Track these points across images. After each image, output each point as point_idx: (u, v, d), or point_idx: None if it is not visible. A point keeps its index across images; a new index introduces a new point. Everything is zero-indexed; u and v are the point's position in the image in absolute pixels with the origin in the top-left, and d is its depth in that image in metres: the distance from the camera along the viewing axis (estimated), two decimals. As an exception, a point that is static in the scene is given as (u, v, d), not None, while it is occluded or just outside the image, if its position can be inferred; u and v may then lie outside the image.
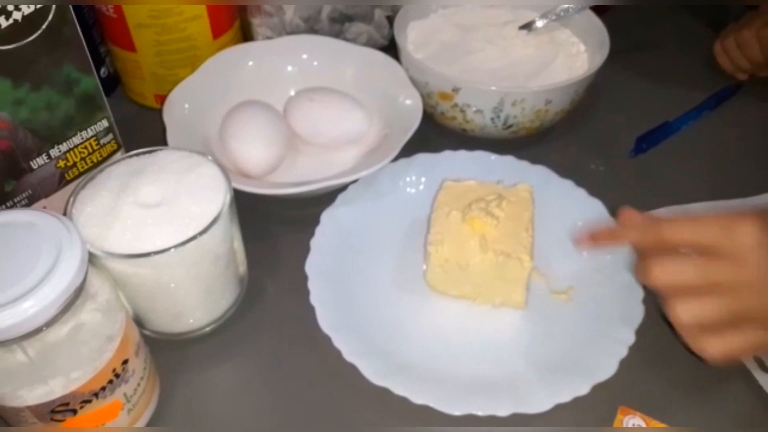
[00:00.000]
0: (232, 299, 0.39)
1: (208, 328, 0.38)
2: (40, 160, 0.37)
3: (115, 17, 0.46)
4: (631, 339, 0.36)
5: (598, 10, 0.51)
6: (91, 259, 0.32)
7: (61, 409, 0.29)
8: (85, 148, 0.39)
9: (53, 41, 0.34)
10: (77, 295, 0.28)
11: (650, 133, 0.49)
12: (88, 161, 0.39)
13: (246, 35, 0.53)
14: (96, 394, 0.30)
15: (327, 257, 0.40)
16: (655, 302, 0.37)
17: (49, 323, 0.27)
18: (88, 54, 0.36)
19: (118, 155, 0.41)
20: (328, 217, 0.42)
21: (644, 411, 0.34)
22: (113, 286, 0.32)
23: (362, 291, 0.39)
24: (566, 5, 0.51)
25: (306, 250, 0.40)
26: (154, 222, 0.33)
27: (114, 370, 0.30)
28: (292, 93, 0.48)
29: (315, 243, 0.40)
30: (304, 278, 0.38)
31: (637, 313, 0.37)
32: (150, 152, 0.36)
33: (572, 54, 0.50)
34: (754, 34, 0.51)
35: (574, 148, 0.49)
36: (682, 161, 0.48)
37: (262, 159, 0.43)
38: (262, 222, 0.43)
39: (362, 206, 0.43)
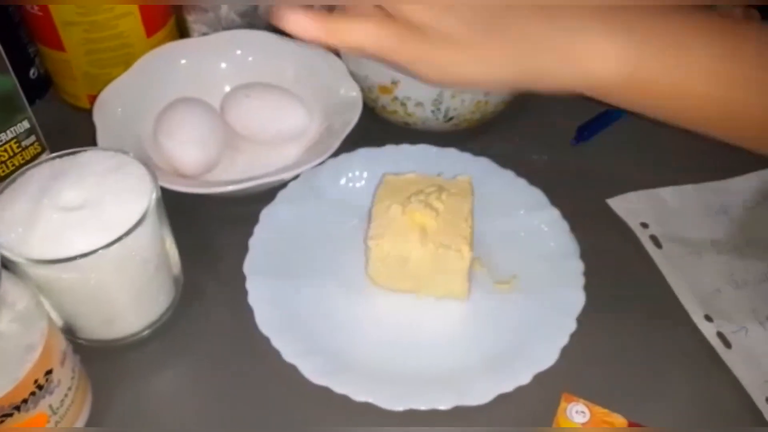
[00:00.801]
0: (167, 302, 0.37)
1: (143, 333, 0.37)
2: (-43, 165, 0.35)
3: (41, 15, 0.44)
4: (572, 326, 0.36)
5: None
6: (10, 265, 0.30)
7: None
8: (5, 151, 0.37)
9: (-36, 41, 0.32)
10: (-11, 304, 0.27)
11: (591, 121, 0.49)
12: (10, 165, 0.38)
13: (182, 32, 0.52)
14: (17, 407, 0.28)
15: (266, 256, 0.39)
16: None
17: (-40, 335, 0.26)
18: (3, 54, 0.35)
19: (43, 157, 0.39)
20: (267, 215, 0.41)
21: (587, 397, 0.34)
22: (34, 294, 0.30)
23: (303, 289, 0.38)
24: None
25: (245, 250, 0.39)
26: (77, 225, 0.31)
27: (36, 381, 0.29)
28: (228, 89, 0.47)
29: (254, 242, 0.39)
30: (243, 278, 0.37)
31: (578, 300, 0.37)
32: (74, 153, 0.35)
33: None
34: None
35: (516, 139, 0.49)
36: (624, 149, 0.48)
37: (198, 158, 0.42)
38: (200, 222, 0.42)
39: (303, 203, 0.42)
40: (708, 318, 0.38)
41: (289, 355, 0.34)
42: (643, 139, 0.49)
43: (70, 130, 0.44)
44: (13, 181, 0.33)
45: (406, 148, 0.45)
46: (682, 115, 0.30)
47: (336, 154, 0.42)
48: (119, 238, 0.31)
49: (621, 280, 0.40)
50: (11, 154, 0.37)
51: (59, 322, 0.34)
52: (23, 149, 0.38)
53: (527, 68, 0.30)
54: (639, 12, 0.29)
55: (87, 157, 0.35)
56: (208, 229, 0.43)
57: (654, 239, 0.42)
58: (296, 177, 0.42)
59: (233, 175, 0.43)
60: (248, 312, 0.36)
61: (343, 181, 0.44)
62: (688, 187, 0.45)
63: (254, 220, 0.40)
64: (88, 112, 0.46)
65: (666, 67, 0.28)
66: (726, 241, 0.42)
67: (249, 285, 0.37)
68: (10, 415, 0.29)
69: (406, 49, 0.30)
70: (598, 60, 0.28)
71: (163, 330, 0.37)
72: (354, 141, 0.43)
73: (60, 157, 0.35)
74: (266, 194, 0.42)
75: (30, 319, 0.29)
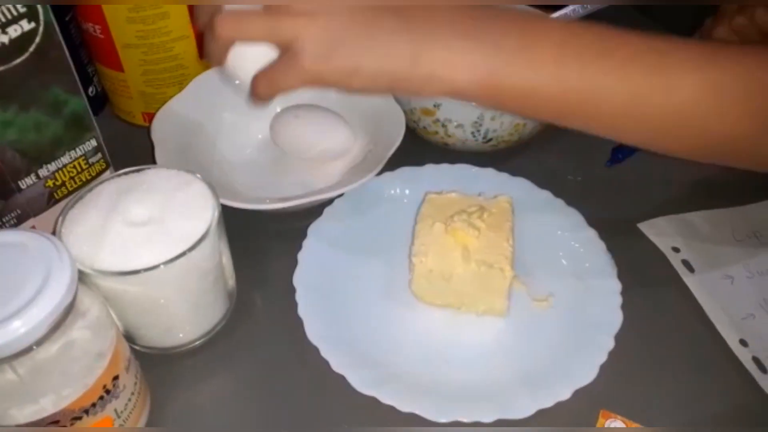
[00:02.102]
0: (221, 313, 0.39)
1: (198, 342, 0.39)
2: (29, 180, 0.37)
3: (103, 38, 0.46)
4: (610, 344, 0.37)
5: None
6: (81, 277, 0.32)
7: (52, 426, 0.30)
8: (74, 167, 0.39)
9: (41, 63, 0.35)
10: (67, 313, 0.28)
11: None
12: (77, 180, 0.40)
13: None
14: (86, 411, 0.30)
15: (314, 270, 0.41)
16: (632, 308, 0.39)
17: (39, 342, 0.27)
18: (75, 75, 0.37)
19: (107, 174, 0.41)
20: (315, 230, 0.43)
21: (625, 414, 0.35)
22: (103, 304, 0.32)
23: (349, 302, 0.40)
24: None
25: (294, 263, 0.41)
26: (143, 240, 0.33)
27: (104, 386, 0.31)
28: (278, 110, 0.49)
29: (302, 256, 0.41)
30: (292, 291, 0.39)
31: (615, 318, 0.38)
32: (138, 171, 0.37)
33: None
34: (728, 29, 0.51)
35: (552, 160, 0.50)
36: (658, 170, 0.49)
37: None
38: (251, 236, 0.44)
39: (348, 219, 0.44)
40: (743, 342, 0.38)
41: (337, 365, 0.36)
42: (678, 160, 0.50)
43: (126, 146, 0.46)
44: (82, 197, 0.35)
45: (445, 168, 0.47)
46: (542, 111, 0.32)
47: (379, 172, 0.44)
48: (183, 253, 0.33)
49: (655, 301, 0.41)
50: (79, 170, 0.39)
51: (121, 330, 0.36)
52: (90, 166, 0.40)
53: (409, 83, 0.31)
54: (489, 16, 0.31)
55: (150, 174, 0.37)
56: (258, 243, 0.44)
57: (686, 264, 0.43)
58: (341, 194, 0.44)
59: (281, 191, 0.45)
60: (297, 323, 0.38)
61: (385, 198, 0.45)
62: (718, 212, 0.46)
63: (302, 234, 0.42)
64: (142, 129, 0.49)
65: (517, 71, 0.30)
66: (757, 266, 0.43)
67: (298, 297, 0.39)
68: (80, 418, 0.30)
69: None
70: (452, 70, 0.30)
71: (217, 339, 0.39)
72: (395, 160, 0.44)
73: (126, 174, 0.37)
74: (313, 210, 0.44)
75: (100, 328, 0.31)
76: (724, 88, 0.30)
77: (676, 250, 0.43)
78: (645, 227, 0.45)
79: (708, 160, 0.34)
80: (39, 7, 0.33)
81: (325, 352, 0.36)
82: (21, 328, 0.26)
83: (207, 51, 0.34)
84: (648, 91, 0.30)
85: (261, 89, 0.33)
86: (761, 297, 0.41)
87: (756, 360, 0.38)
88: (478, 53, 0.30)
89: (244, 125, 0.49)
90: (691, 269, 0.42)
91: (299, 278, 0.40)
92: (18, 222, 0.38)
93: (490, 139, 0.47)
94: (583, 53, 0.30)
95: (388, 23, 0.30)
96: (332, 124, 0.46)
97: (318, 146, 0.46)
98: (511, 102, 0.31)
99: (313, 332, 0.37)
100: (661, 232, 0.44)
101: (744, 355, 0.38)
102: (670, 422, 0.36)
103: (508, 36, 0.30)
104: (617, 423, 0.35)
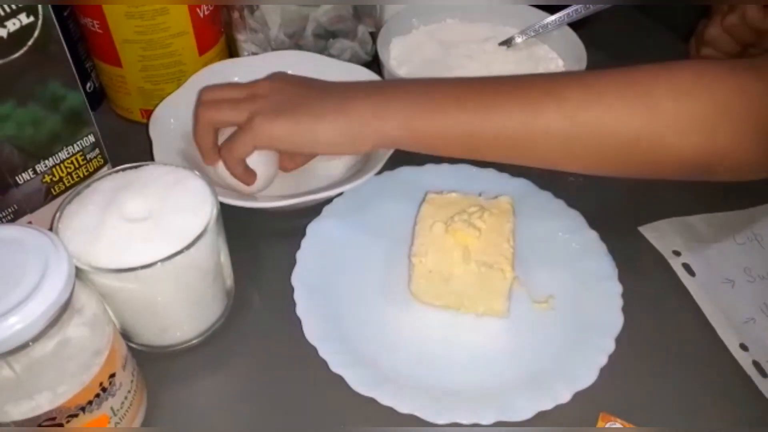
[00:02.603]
0: (219, 312, 0.39)
1: (195, 341, 0.38)
2: (26, 176, 0.37)
3: (101, 33, 0.46)
4: (611, 347, 0.37)
5: (574, 25, 0.53)
6: (78, 273, 0.32)
7: (48, 423, 0.29)
8: (72, 163, 0.39)
9: (39, 58, 0.34)
10: (64, 310, 0.28)
11: (627, 145, 0.50)
12: (75, 176, 0.39)
13: (231, 51, 0.54)
14: (83, 408, 0.30)
15: (313, 269, 0.40)
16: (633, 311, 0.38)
17: (36, 338, 0.27)
18: (74, 70, 0.36)
19: (105, 170, 0.41)
20: (314, 229, 0.42)
21: (624, 417, 0.35)
22: (100, 301, 0.32)
23: (348, 302, 0.40)
24: (545, 21, 0.53)
25: (292, 262, 0.40)
26: (141, 236, 0.33)
27: (101, 384, 0.30)
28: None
29: (301, 255, 0.41)
30: (291, 290, 0.39)
31: (616, 321, 0.38)
32: (136, 167, 0.36)
33: (550, 69, 0.52)
34: (720, 28, 0.51)
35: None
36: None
37: (259, 177, 0.43)
38: (249, 235, 0.44)
39: (347, 218, 0.43)
40: (743, 347, 0.38)
41: (336, 365, 0.35)
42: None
43: (124, 142, 0.46)
44: (80, 192, 0.35)
45: (446, 168, 0.46)
46: (456, 149, 0.39)
47: (379, 172, 0.43)
48: (181, 250, 0.33)
49: (656, 304, 0.41)
50: (77, 165, 0.39)
51: (118, 327, 0.36)
52: (88, 162, 0.40)
53: (344, 135, 0.39)
54: (397, 84, 0.42)
55: (148, 170, 0.36)
56: (256, 241, 0.44)
57: (687, 267, 0.42)
58: (341, 193, 0.43)
59: (280, 190, 0.45)
60: (296, 322, 0.38)
61: (385, 198, 0.45)
62: (719, 215, 0.46)
63: (301, 233, 0.42)
64: (140, 125, 0.48)
65: (429, 118, 0.38)
66: (758, 270, 0.43)
67: (297, 296, 0.38)
68: (76, 415, 0.30)
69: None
70: (380, 119, 0.38)
71: (214, 338, 0.39)
72: (395, 159, 0.44)
73: (123, 170, 0.36)
74: (312, 209, 0.43)
75: (97, 325, 0.31)
76: (615, 99, 0.36)
77: (677, 253, 0.43)
78: (646, 230, 0.45)
79: (622, 174, 0.39)
80: (38, 0, 0.33)
81: (323, 352, 0.36)
82: (17, 324, 0.26)
83: (200, 152, 0.43)
84: (533, 118, 0.36)
85: (223, 154, 0.41)
86: (762, 301, 0.41)
87: (756, 364, 0.38)
88: (397, 105, 0.38)
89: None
90: (691, 273, 0.42)
91: (298, 277, 0.39)
92: (15, 217, 0.38)
93: (491, 140, 0.47)
94: (478, 97, 0.38)
95: (320, 94, 0.40)
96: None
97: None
98: (428, 143, 0.39)
99: (311, 332, 0.37)
100: (662, 235, 0.44)
101: (744, 360, 0.38)
102: (670, 425, 0.36)
103: (417, 93, 0.39)
104: (617, 426, 0.35)
